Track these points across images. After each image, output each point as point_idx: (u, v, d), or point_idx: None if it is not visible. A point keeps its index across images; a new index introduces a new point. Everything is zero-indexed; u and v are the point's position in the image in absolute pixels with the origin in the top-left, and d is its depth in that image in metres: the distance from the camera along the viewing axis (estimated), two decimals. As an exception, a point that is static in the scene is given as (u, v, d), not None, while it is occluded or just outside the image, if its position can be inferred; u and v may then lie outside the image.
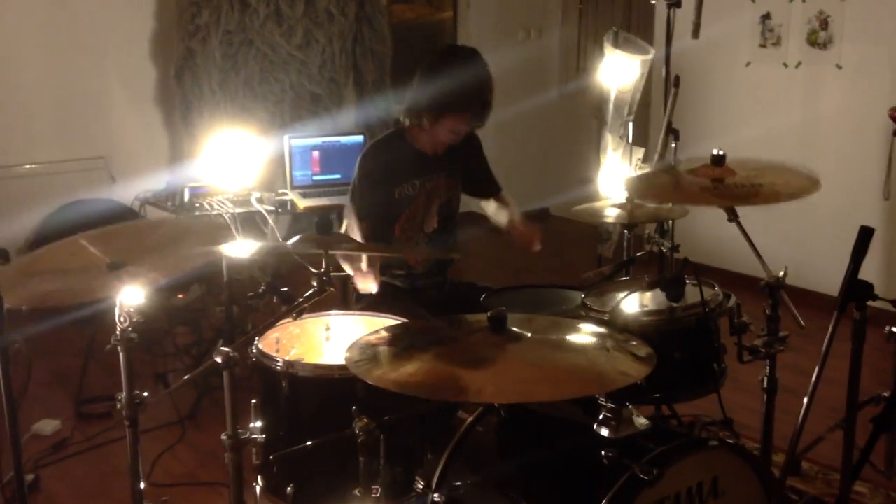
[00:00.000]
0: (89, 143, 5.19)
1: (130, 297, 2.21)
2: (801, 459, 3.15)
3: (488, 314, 1.89)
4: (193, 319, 4.70)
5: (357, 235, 2.90)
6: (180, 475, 3.28)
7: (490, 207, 3.27)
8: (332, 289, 1.93)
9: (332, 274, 1.94)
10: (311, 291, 1.94)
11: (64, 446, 3.47)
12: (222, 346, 1.86)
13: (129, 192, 4.61)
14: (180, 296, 4.94)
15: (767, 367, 2.46)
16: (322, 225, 1.89)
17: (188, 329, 4.58)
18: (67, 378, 4.00)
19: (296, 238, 1.96)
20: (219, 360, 1.81)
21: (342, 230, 2.99)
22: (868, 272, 1.75)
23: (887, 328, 2.81)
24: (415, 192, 3.03)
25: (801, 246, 5.08)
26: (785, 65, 5.10)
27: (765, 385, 2.47)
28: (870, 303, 1.90)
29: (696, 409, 3.11)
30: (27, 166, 5.02)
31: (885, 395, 2.82)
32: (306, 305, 2.03)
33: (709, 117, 5.50)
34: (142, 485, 2.34)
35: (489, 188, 3.29)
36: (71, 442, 3.51)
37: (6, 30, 4.90)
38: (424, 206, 3.06)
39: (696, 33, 2.99)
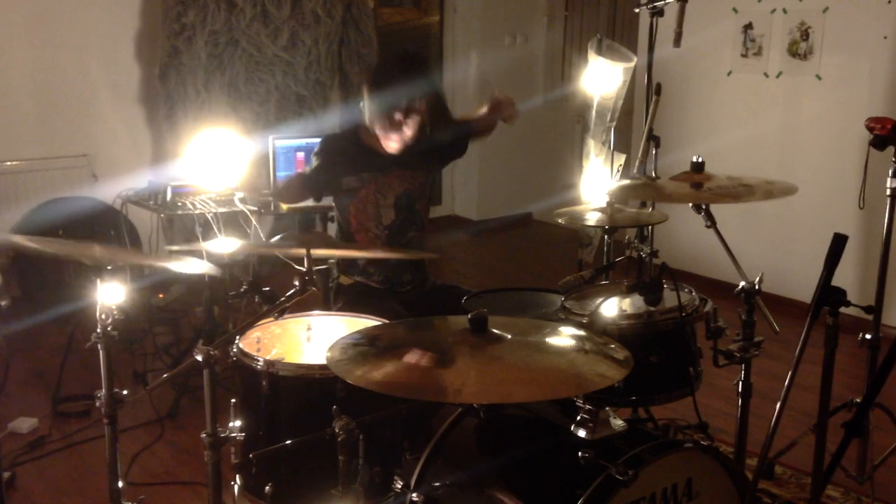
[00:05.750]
0: (72, 141, 5.18)
1: (111, 294, 2.23)
2: (774, 463, 3.19)
3: (469, 315, 1.90)
4: (173, 319, 4.71)
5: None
6: (158, 474, 3.27)
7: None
8: (314, 288, 1.93)
9: (314, 274, 1.94)
10: (293, 290, 1.95)
11: (41, 444, 3.45)
12: (203, 344, 1.86)
13: (111, 190, 4.59)
14: (161, 295, 4.94)
15: (742, 372, 2.50)
16: (305, 224, 1.89)
17: (168, 329, 4.58)
18: (46, 376, 3.98)
19: (280, 236, 1.97)
20: (199, 358, 1.82)
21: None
22: (842, 280, 1.78)
23: (860, 335, 2.87)
24: (360, 184, 3.07)
25: (778, 253, 5.14)
26: (766, 74, 5.16)
27: (739, 389, 2.52)
28: (844, 310, 1.93)
29: (672, 413, 3.15)
30: (9, 163, 5.00)
31: (858, 400, 2.87)
32: (288, 305, 2.04)
33: (690, 125, 5.55)
34: (119, 483, 2.34)
35: (463, 139, 3.33)
36: (48, 440, 3.50)
37: (-10, 26, 4.88)
38: (374, 200, 3.09)
39: (677, 42, 3.03)
